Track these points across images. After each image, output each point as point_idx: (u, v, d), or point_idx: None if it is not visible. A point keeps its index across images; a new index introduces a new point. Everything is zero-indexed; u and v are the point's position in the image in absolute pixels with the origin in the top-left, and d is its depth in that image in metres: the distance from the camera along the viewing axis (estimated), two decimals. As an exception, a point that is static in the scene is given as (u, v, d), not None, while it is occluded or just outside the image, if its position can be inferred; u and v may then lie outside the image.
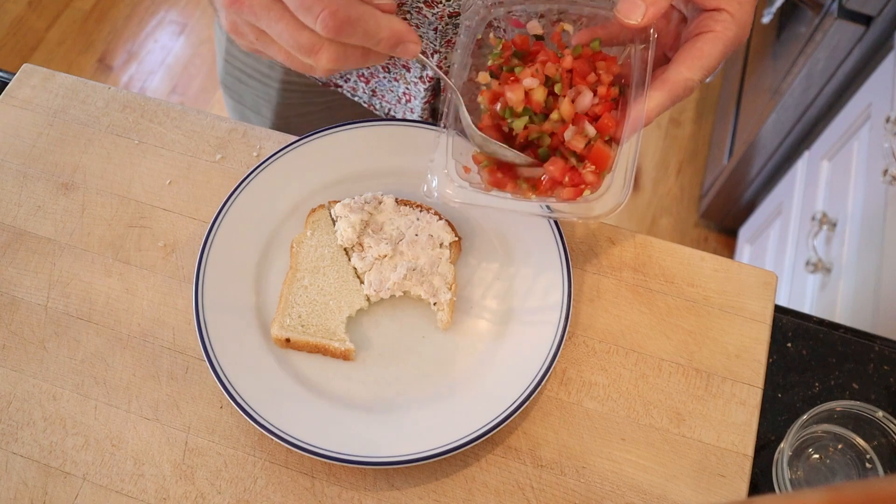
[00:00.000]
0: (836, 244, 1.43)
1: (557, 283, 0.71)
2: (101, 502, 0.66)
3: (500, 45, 0.66)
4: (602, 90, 0.64)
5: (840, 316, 1.32)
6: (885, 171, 1.24)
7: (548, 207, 0.65)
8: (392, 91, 0.94)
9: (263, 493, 0.66)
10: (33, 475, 0.66)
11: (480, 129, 0.65)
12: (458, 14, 0.77)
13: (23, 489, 0.66)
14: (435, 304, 0.71)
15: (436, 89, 0.91)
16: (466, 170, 0.66)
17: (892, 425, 0.68)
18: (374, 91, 0.96)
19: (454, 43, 0.82)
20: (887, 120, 1.27)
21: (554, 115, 0.63)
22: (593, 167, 0.62)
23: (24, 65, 0.87)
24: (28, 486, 0.66)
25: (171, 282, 0.75)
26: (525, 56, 0.66)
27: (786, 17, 1.79)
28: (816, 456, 0.72)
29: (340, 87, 0.98)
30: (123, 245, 0.77)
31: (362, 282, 0.72)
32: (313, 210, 0.76)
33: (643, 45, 0.64)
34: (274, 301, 0.72)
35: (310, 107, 1.02)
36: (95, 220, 0.78)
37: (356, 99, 0.99)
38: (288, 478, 0.67)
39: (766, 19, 1.78)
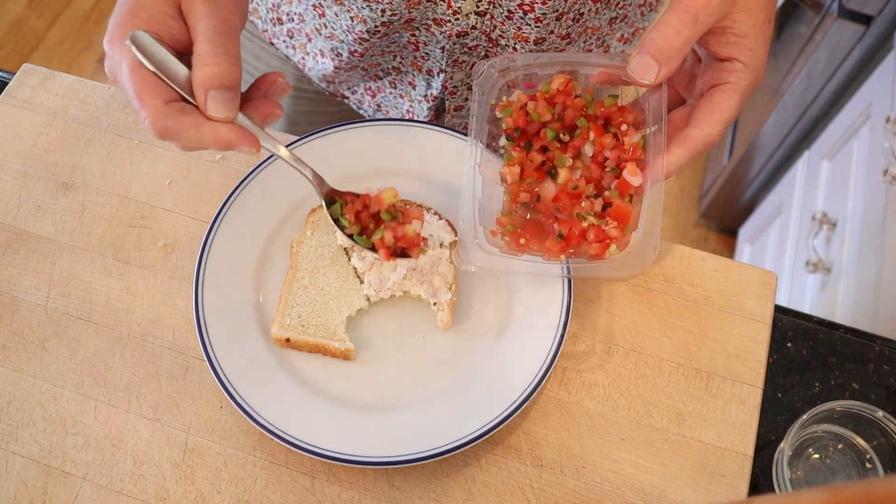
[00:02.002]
0: (836, 244, 1.43)
1: (557, 282, 0.71)
2: (101, 502, 0.66)
3: (511, 112, 0.67)
4: (626, 143, 0.65)
5: (840, 316, 1.32)
6: (885, 171, 1.24)
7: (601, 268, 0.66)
8: (396, 108, 0.95)
9: (263, 493, 0.66)
10: (33, 475, 0.66)
11: (510, 195, 0.67)
12: (467, 33, 0.77)
13: (23, 489, 0.66)
14: (435, 304, 0.71)
15: (439, 109, 0.91)
16: (493, 233, 0.66)
17: (892, 425, 0.68)
18: (378, 105, 0.96)
19: (460, 62, 0.82)
20: (887, 120, 1.27)
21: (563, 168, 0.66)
22: (615, 223, 0.64)
23: (24, 65, 0.87)
24: (28, 486, 0.66)
25: (171, 282, 0.75)
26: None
27: (786, 17, 1.79)
28: (816, 456, 0.72)
29: (347, 98, 0.98)
30: (123, 245, 0.77)
31: (362, 282, 0.72)
32: (313, 210, 0.76)
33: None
34: (274, 301, 0.72)
35: (321, 115, 1.02)
36: (95, 220, 0.78)
37: (361, 112, 0.99)
38: (288, 478, 0.67)
39: (766, 19, 1.77)
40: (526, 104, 0.66)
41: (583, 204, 0.65)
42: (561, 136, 0.67)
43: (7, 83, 0.86)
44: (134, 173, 0.80)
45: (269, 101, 0.60)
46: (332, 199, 0.67)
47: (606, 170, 0.65)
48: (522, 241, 0.64)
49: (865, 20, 1.42)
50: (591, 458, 0.67)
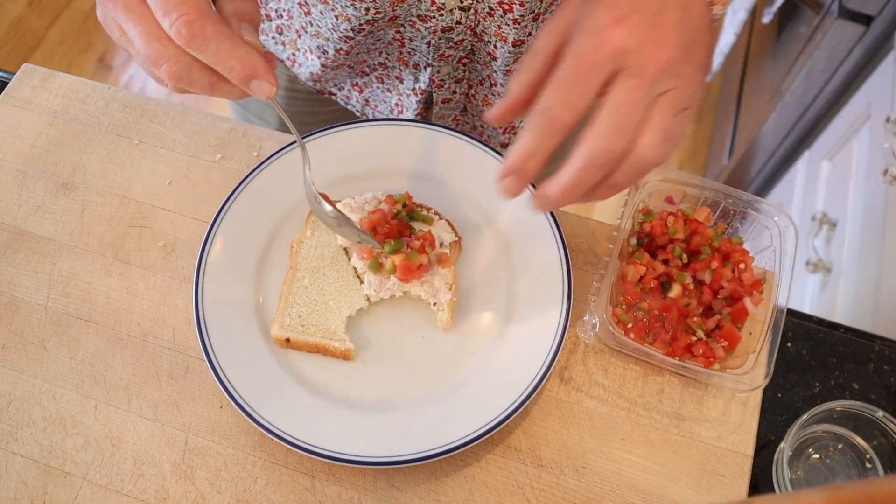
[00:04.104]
0: (836, 244, 1.43)
1: (557, 283, 0.71)
2: (101, 502, 0.66)
3: (653, 218, 0.73)
4: (746, 277, 0.71)
5: (840, 316, 1.32)
6: (885, 171, 1.24)
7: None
8: (385, 102, 0.94)
9: (263, 493, 0.66)
10: (33, 475, 0.66)
11: (625, 293, 0.71)
12: (451, 29, 0.78)
13: (23, 489, 0.66)
14: (435, 304, 0.71)
15: (427, 102, 0.91)
16: (615, 319, 0.70)
17: (892, 425, 0.68)
18: (367, 100, 0.96)
19: (446, 56, 0.82)
20: (887, 120, 1.27)
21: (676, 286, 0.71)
22: (727, 343, 0.68)
23: (24, 65, 0.87)
24: (28, 486, 0.66)
25: (171, 282, 0.75)
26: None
27: (786, 16, 1.79)
28: (816, 456, 0.72)
29: (335, 94, 0.98)
30: (123, 245, 0.77)
31: (362, 282, 0.72)
32: (313, 210, 0.76)
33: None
34: (274, 301, 0.72)
35: (314, 116, 1.02)
36: (95, 220, 0.78)
37: (349, 108, 0.99)
38: (288, 478, 0.67)
39: (766, 19, 1.78)
40: (667, 218, 0.72)
41: (694, 319, 0.70)
42: (682, 255, 0.72)
43: (7, 83, 0.86)
44: (134, 173, 0.80)
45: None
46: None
47: (718, 297, 0.71)
48: (632, 335, 0.69)
49: (865, 20, 1.42)
50: (591, 458, 0.67)
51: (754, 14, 2.03)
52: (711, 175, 2.15)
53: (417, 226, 0.74)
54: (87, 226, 0.78)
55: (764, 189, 1.93)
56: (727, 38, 1.99)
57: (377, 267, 0.70)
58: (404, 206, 0.74)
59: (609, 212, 2.23)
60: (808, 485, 0.71)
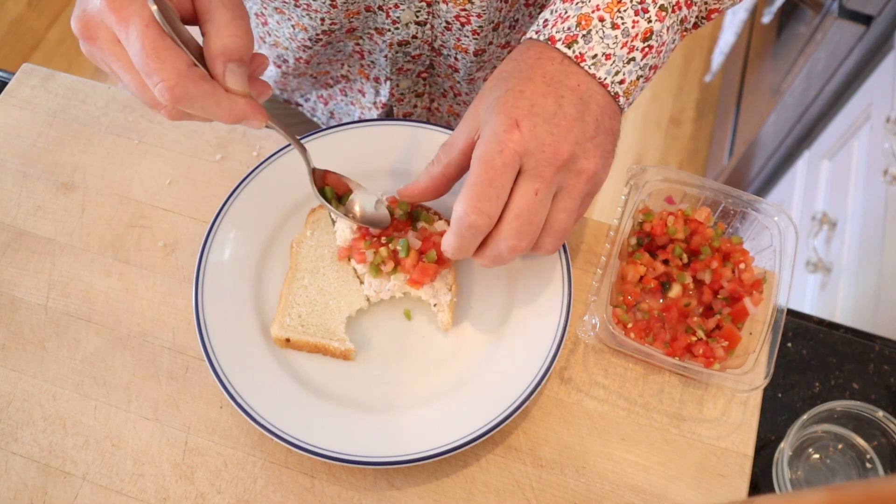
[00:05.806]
0: (836, 244, 1.43)
1: (557, 282, 0.71)
2: (101, 502, 0.66)
3: (653, 218, 0.73)
4: (746, 277, 0.70)
5: (840, 316, 1.32)
6: (886, 171, 1.24)
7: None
8: (349, 115, 0.95)
9: (263, 493, 0.66)
10: (33, 475, 0.66)
11: (625, 293, 0.71)
12: (408, 42, 0.77)
13: (23, 489, 0.66)
14: (435, 304, 0.70)
15: (389, 115, 0.92)
16: (615, 316, 0.70)
17: (892, 425, 0.68)
18: (332, 113, 0.96)
19: (405, 70, 0.82)
20: (887, 120, 1.27)
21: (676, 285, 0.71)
22: (726, 343, 0.68)
23: (24, 65, 0.87)
24: (28, 486, 0.66)
25: (171, 282, 0.75)
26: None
27: (786, 16, 1.79)
28: (816, 456, 0.72)
29: (301, 105, 0.98)
30: (123, 245, 0.77)
31: (362, 282, 0.72)
32: (313, 210, 0.76)
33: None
34: (274, 301, 0.72)
35: (293, 117, 1.03)
36: (95, 220, 0.78)
37: (315, 119, 0.99)
38: (288, 478, 0.67)
39: (766, 19, 1.78)
40: (667, 218, 0.72)
41: (694, 319, 0.70)
42: (682, 255, 0.72)
43: (7, 83, 0.86)
44: (134, 173, 0.80)
45: (260, 80, 0.59)
46: (323, 183, 0.69)
47: (718, 297, 0.71)
48: (632, 335, 0.69)
49: (865, 20, 1.42)
50: (591, 458, 0.67)
51: (754, 14, 2.03)
52: (711, 175, 2.15)
53: (419, 225, 0.74)
54: (87, 226, 0.78)
55: (764, 189, 1.93)
56: (727, 38, 1.99)
57: (377, 270, 0.70)
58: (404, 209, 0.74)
59: (609, 212, 2.23)
60: (808, 485, 0.71)
